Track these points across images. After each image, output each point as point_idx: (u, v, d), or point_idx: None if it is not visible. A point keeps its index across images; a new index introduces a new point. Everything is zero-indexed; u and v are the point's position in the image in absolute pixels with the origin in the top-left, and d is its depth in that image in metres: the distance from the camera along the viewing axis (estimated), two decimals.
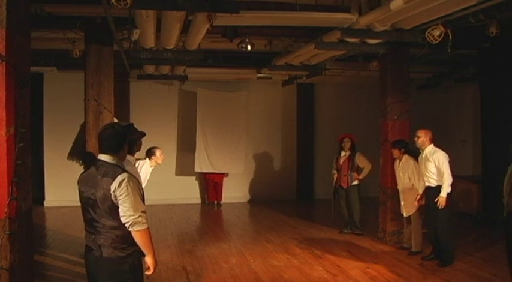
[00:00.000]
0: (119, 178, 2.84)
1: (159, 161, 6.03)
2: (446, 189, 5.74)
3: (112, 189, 2.82)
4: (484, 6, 4.93)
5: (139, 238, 2.89)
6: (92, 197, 2.89)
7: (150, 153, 5.99)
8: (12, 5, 3.17)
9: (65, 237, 7.44)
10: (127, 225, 2.85)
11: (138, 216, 2.85)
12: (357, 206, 7.64)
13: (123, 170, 2.93)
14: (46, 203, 10.22)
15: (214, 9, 4.53)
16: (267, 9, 5.18)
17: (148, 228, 2.92)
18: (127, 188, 2.83)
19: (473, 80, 9.34)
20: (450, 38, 5.38)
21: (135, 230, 2.86)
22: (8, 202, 3.18)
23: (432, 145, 5.97)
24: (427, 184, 5.96)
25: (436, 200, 5.77)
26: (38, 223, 8.40)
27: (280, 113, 11.56)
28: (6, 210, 3.17)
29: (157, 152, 5.97)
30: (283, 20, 5.46)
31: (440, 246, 5.99)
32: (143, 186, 5.53)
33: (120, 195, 2.82)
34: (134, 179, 2.94)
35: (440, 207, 5.76)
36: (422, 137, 5.97)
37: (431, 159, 5.87)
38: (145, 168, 5.82)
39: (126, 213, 2.83)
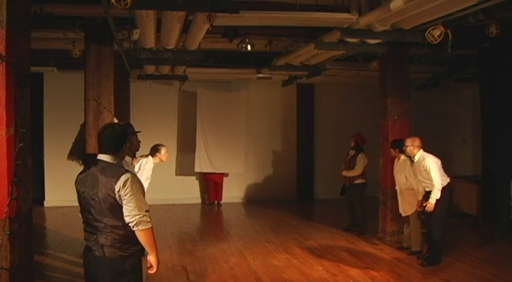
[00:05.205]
0: (123, 178, 2.84)
1: (163, 159, 6.02)
2: (434, 196, 5.77)
3: (116, 189, 2.82)
4: (484, 6, 4.93)
5: (143, 237, 2.90)
6: (94, 197, 2.87)
7: (155, 150, 5.98)
8: (12, 5, 3.16)
9: (65, 237, 7.44)
10: (131, 224, 2.86)
11: (143, 216, 2.86)
12: (358, 205, 7.73)
13: (126, 170, 2.94)
14: (46, 203, 10.22)
15: (214, 9, 4.53)
16: (267, 9, 5.18)
17: (152, 227, 2.93)
18: (131, 188, 2.84)
19: (473, 80, 9.34)
20: (450, 38, 5.38)
21: (140, 229, 2.87)
22: (8, 202, 3.17)
23: (421, 151, 5.98)
24: (426, 189, 5.96)
25: (424, 204, 5.87)
26: (38, 223, 8.40)
27: (280, 113, 11.56)
28: (6, 210, 3.17)
29: (163, 150, 5.98)
30: (283, 20, 5.45)
31: (431, 246, 6.03)
32: (147, 183, 5.55)
33: (125, 195, 2.83)
34: (137, 179, 2.97)
35: (428, 211, 5.83)
36: (410, 146, 6.00)
37: (421, 167, 5.90)
38: (148, 166, 5.82)
39: (131, 213, 2.84)
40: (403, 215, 6.52)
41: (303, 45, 7.04)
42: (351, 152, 7.90)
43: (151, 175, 5.94)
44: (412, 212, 6.36)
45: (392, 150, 6.57)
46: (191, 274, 5.71)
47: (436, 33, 5.37)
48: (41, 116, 10.02)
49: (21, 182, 3.33)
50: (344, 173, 7.75)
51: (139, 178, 3.57)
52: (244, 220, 9.39)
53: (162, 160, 6.01)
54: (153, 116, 10.48)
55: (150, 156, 5.92)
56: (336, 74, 9.33)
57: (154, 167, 5.98)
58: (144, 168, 5.74)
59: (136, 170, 5.52)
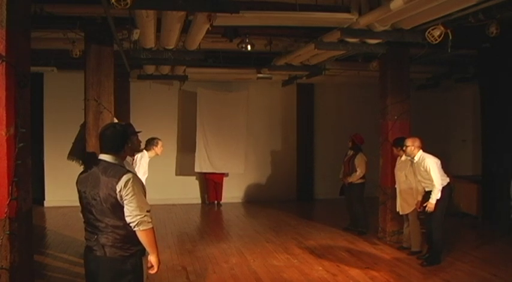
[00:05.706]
0: (125, 178, 2.85)
1: (159, 152, 6.02)
2: (434, 196, 5.80)
3: (118, 189, 2.83)
4: (484, 6, 4.93)
5: (144, 237, 2.91)
6: (96, 197, 2.88)
7: (151, 144, 5.98)
8: (12, 5, 3.16)
9: (65, 237, 7.44)
10: (132, 224, 2.87)
11: (144, 216, 2.87)
12: (358, 205, 7.76)
13: (128, 170, 2.95)
14: (46, 203, 10.22)
15: (214, 9, 4.53)
16: (267, 9, 5.18)
17: (153, 227, 2.94)
18: (133, 188, 2.85)
19: (473, 80, 9.34)
20: (450, 38, 5.37)
21: (141, 229, 2.88)
22: (8, 202, 3.17)
23: (421, 152, 6.01)
24: (426, 189, 5.98)
25: (425, 204, 5.89)
26: (38, 223, 8.40)
27: (280, 113, 11.56)
28: (6, 210, 3.17)
29: (159, 143, 6.00)
30: (283, 20, 5.45)
31: (431, 246, 6.05)
32: (145, 178, 5.56)
33: (127, 195, 2.83)
34: (139, 179, 2.98)
35: (428, 212, 5.86)
36: (410, 146, 6.02)
37: (421, 167, 5.93)
38: (144, 161, 5.82)
39: (132, 213, 2.85)
40: (400, 213, 6.54)
41: (303, 45, 7.04)
42: (349, 152, 7.93)
43: (149, 171, 5.95)
44: (410, 211, 6.38)
45: (394, 149, 6.60)
46: (191, 274, 5.71)
47: (436, 33, 5.37)
48: (41, 116, 10.02)
49: (21, 182, 3.33)
50: (350, 179, 7.72)
51: (137, 173, 3.57)
52: (244, 220, 9.39)
53: (157, 154, 6.01)
54: (153, 116, 10.47)
55: (145, 151, 5.93)
56: (336, 74, 9.33)
57: (153, 165, 5.99)
58: (140, 163, 5.76)
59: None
